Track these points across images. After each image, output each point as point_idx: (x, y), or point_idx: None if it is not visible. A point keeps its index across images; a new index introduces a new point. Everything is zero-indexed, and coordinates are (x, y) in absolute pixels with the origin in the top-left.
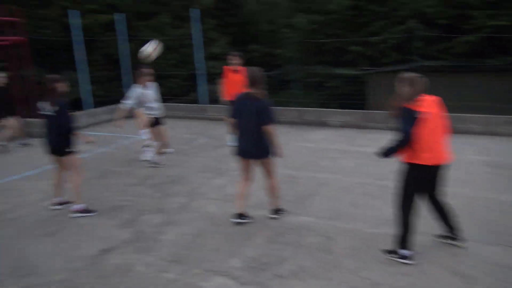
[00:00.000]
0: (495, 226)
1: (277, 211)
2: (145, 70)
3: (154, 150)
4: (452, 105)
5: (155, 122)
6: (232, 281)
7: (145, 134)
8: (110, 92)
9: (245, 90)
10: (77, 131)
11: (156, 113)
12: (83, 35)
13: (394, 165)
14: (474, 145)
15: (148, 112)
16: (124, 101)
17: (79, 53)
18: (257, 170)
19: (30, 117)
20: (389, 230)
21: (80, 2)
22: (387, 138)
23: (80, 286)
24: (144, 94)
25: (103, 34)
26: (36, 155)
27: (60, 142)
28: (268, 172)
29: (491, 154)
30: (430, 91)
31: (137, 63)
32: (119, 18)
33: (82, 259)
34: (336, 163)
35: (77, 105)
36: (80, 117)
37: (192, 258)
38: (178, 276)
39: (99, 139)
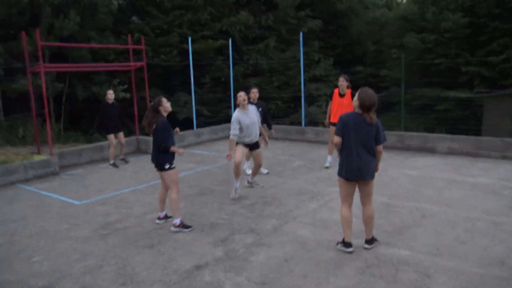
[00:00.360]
0: None
1: (372, 241)
2: (241, 94)
3: (250, 171)
4: None
5: (253, 146)
6: None
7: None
8: (216, 113)
9: (354, 110)
10: (172, 148)
11: (252, 138)
12: (197, 59)
13: (507, 200)
14: None
15: (244, 138)
16: (231, 133)
17: (191, 76)
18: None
19: (143, 135)
20: (498, 272)
21: (196, 30)
22: (502, 168)
23: None
24: (244, 117)
25: (214, 58)
26: (143, 171)
27: (158, 159)
28: (369, 196)
29: None
30: None
31: (243, 85)
32: (229, 43)
33: (176, 273)
34: (441, 193)
35: (187, 124)
36: (187, 136)
37: (280, 282)
38: None
39: (202, 157)
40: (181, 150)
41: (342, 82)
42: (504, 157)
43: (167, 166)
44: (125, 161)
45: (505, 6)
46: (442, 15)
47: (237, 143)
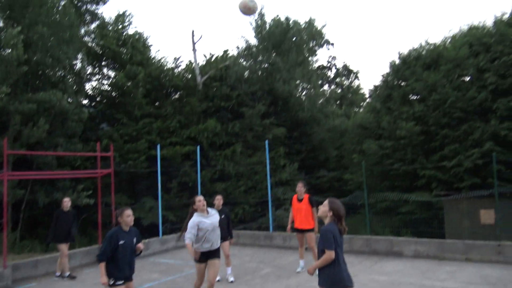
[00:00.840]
0: None
1: None
2: (200, 199)
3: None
4: None
5: (212, 254)
6: None
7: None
8: (183, 219)
9: (328, 221)
10: (100, 265)
11: (212, 244)
12: (164, 165)
13: None
14: None
15: (203, 244)
16: (186, 237)
17: (159, 182)
18: None
19: None
20: None
21: (165, 137)
22: (467, 271)
23: None
24: (204, 220)
25: (182, 163)
26: None
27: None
28: None
29: None
30: None
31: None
32: (197, 150)
33: None
34: None
35: (152, 230)
36: (152, 243)
37: None
38: None
39: (167, 266)
40: (104, 279)
41: (300, 188)
42: (467, 260)
43: (111, 282)
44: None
45: (451, 116)
46: (396, 124)
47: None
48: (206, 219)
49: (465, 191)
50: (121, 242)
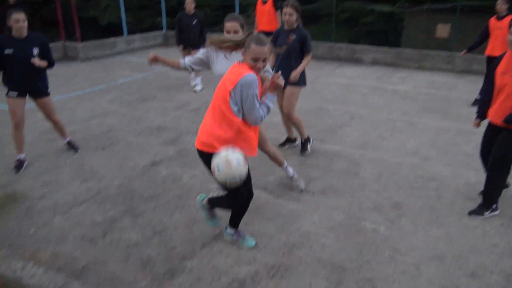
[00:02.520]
0: None
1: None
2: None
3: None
4: None
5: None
6: (269, 194)
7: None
8: (142, 20)
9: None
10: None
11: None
12: None
13: (421, 104)
14: None
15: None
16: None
17: None
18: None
19: (71, 40)
20: (412, 160)
21: None
22: (418, 78)
23: (135, 190)
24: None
25: None
26: (75, 77)
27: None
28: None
29: None
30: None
31: None
32: None
33: (134, 169)
34: (366, 99)
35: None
36: (118, 42)
37: None
38: None
39: (137, 65)
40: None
41: None
42: (420, 68)
43: (6, 92)
44: None
45: None
46: None
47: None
48: (226, 64)
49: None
50: (7, 51)
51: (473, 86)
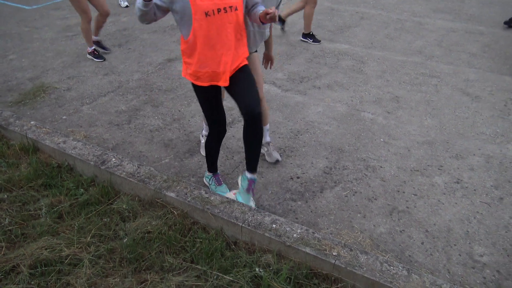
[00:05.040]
0: None
1: (308, 35)
2: None
3: None
4: None
5: None
6: (278, 88)
7: None
8: None
9: None
10: None
11: None
12: None
13: (432, 4)
14: None
15: None
16: None
17: None
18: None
19: None
20: (416, 59)
21: None
22: None
23: (153, 84)
24: None
25: None
26: None
27: None
28: None
29: None
30: None
31: None
32: None
33: (151, 65)
34: None
35: None
36: None
37: None
38: None
39: None
40: None
41: None
42: None
43: None
44: None
45: None
46: None
47: None
48: None
49: None
50: None
51: None
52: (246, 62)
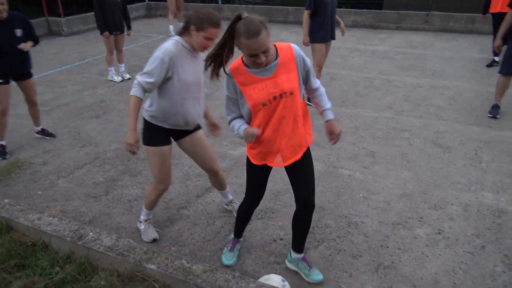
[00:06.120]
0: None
1: None
2: None
3: None
4: None
5: None
6: None
7: None
8: None
9: None
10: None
11: None
12: None
13: (398, 62)
14: None
15: None
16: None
17: None
18: None
19: (53, 16)
20: (387, 114)
21: None
22: (396, 38)
23: (130, 154)
24: None
25: None
26: (62, 52)
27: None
28: None
29: None
30: None
31: None
32: None
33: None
34: (346, 60)
35: None
36: None
37: None
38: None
39: None
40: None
41: None
42: (398, 28)
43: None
44: None
45: None
46: None
47: None
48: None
49: None
50: None
51: (449, 44)
52: (306, 148)
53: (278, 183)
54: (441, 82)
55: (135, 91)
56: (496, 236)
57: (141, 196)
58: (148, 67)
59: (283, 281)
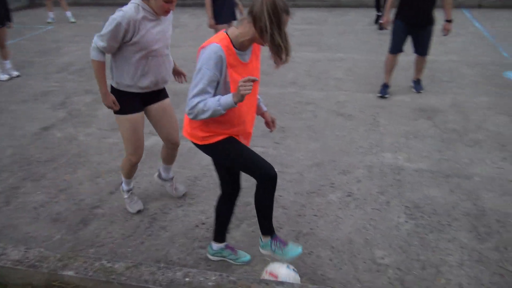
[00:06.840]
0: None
1: None
2: None
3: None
4: None
5: None
6: None
7: None
8: None
9: None
10: None
11: None
12: None
13: (296, 39)
14: None
15: None
16: None
17: None
18: None
19: None
20: (291, 89)
21: None
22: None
23: (31, 156)
24: None
25: None
26: None
27: None
28: None
29: None
30: None
31: None
32: None
33: (24, 136)
34: None
35: None
36: None
37: None
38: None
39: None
40: None
41: None
42: (295, 5)
43: None
44: None
45: None
46: None
47: None
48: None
49: None
50: None
51: (341, 19)
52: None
53: (195, 168)
54: (338, 55)
55: (94, 54)
56: (398, 191)
57: (47, 201)
58: (104, 29)
59: (289, 267)
